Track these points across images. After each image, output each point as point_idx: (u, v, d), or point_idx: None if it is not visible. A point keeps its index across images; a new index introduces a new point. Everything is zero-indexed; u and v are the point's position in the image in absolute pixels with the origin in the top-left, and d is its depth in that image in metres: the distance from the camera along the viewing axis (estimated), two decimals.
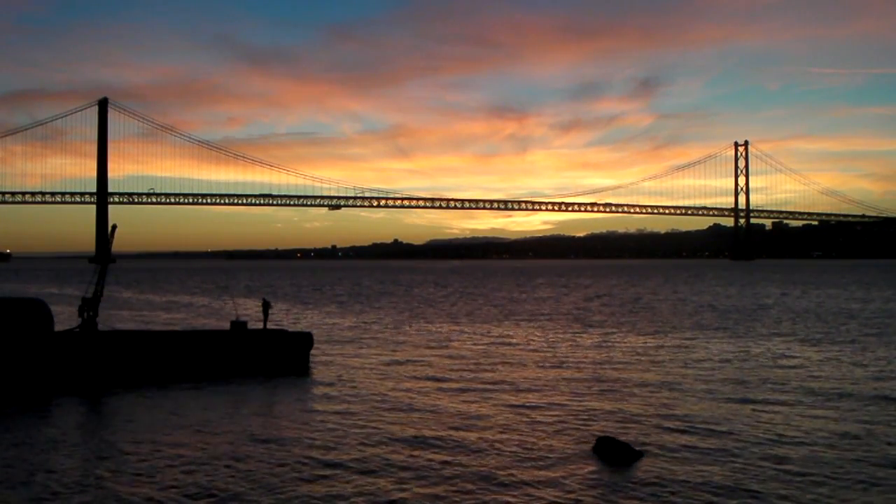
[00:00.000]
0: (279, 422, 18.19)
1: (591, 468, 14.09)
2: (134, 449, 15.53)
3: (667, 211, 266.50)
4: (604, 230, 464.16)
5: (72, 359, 24.59)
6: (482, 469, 14.03)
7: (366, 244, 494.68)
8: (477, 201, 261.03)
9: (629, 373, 25.36)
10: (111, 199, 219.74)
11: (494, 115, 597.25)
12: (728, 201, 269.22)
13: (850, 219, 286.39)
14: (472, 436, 16.51)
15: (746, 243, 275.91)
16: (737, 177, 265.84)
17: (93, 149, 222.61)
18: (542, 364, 27.56)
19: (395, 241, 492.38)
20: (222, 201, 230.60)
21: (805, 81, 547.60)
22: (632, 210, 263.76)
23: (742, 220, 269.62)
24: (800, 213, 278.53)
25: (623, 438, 15.58)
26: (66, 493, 12.76)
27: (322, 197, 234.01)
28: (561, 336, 37.21)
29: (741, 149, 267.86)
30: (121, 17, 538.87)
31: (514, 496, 12.55)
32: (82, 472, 14.00)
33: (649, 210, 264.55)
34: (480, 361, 28.36)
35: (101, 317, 27.87)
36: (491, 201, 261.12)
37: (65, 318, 35.90)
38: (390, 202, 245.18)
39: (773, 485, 13.04)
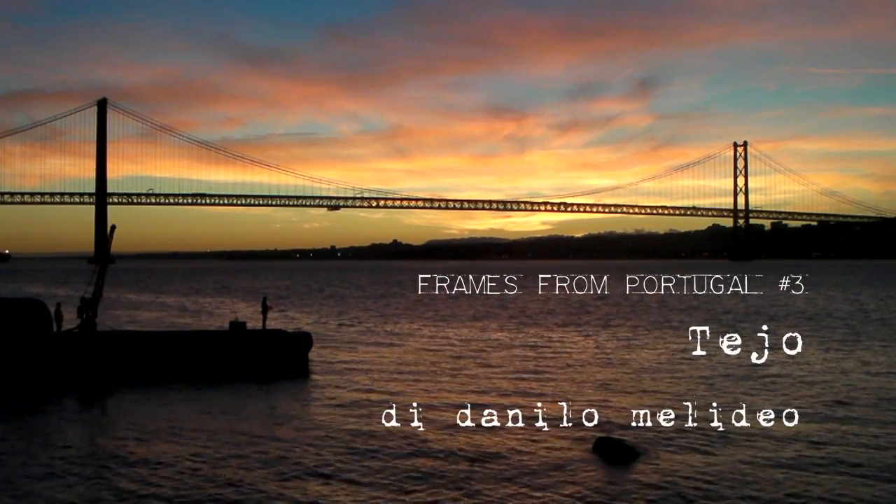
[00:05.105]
0: (277, 424, 18.16)
1: (590, 468, 14.08)
2: (131, 450, 15.51)
3: (666, 211, 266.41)
4: (602, 231, 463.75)
5: (70, 359, 24.56)
6: (481, 470, 14.01)
7: (365, 244, 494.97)
8: (476, 202, 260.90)
9: (628, 372, 25.35)
10: (110, 200, 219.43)
11: (493, 116, 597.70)
12: (727, 202, 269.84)
13: (849, 219, 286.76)
14: (471, 437, 16.50)
15: (745, 244, 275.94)
16: (736, 177, 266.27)
17: (91, 149, 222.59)
18: (540, 364, 27.55)
19: (394, 241, 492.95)
20: (221, 201, 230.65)
21: (803, 82, 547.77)
22: (631, 210, 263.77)
23: (741, 221, 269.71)
24: (799, 214, 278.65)
25: (623, 438, 15.58)
26: (63, 493, 12.74)
27: (321, 197, 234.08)
28: (559, 336, 37.20)
29: (740, 149, 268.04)
30: (119, 18, 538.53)
31: (513, 496, 12.54)
32: (79, 472, 13.97)
33: (648, 210, 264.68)
34: (478, 362, 28.36)
35: (99, 317, 27.82)
36: (490, 202, 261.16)
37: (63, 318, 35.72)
38: (389, 203, 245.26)
39: (772, 483, 13.04)
